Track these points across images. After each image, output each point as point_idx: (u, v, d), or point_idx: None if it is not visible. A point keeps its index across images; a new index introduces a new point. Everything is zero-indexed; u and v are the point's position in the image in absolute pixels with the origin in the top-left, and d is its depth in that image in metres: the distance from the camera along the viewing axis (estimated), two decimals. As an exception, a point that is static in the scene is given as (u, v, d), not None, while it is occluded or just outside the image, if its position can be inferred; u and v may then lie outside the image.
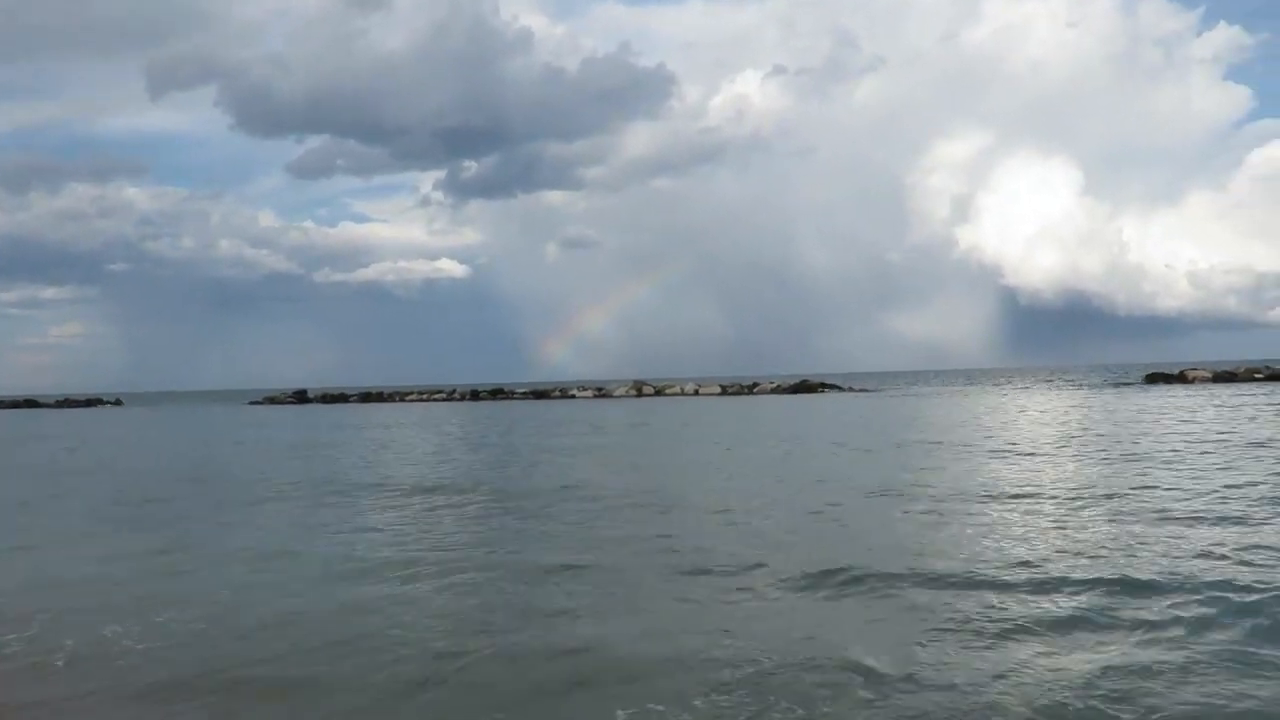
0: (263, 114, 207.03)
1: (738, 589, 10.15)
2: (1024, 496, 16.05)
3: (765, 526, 14.08)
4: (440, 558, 12.43)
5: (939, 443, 27.31)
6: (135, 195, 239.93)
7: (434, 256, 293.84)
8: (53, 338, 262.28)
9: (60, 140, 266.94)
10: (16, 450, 40.87)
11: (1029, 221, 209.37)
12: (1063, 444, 25.35)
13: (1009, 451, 24.03)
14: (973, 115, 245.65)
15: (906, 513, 14.74)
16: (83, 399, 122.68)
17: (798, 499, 16.81)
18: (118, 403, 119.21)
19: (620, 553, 12.36)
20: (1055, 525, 13.24)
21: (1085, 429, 30.89)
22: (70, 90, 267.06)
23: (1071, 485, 17.12)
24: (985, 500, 15.73)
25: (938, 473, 19.94)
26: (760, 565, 11.18)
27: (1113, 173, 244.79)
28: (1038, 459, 22.07)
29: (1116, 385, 76.82)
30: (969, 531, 12.91)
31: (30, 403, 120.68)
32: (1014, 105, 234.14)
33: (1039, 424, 34.63)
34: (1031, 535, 12.59)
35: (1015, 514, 14.32)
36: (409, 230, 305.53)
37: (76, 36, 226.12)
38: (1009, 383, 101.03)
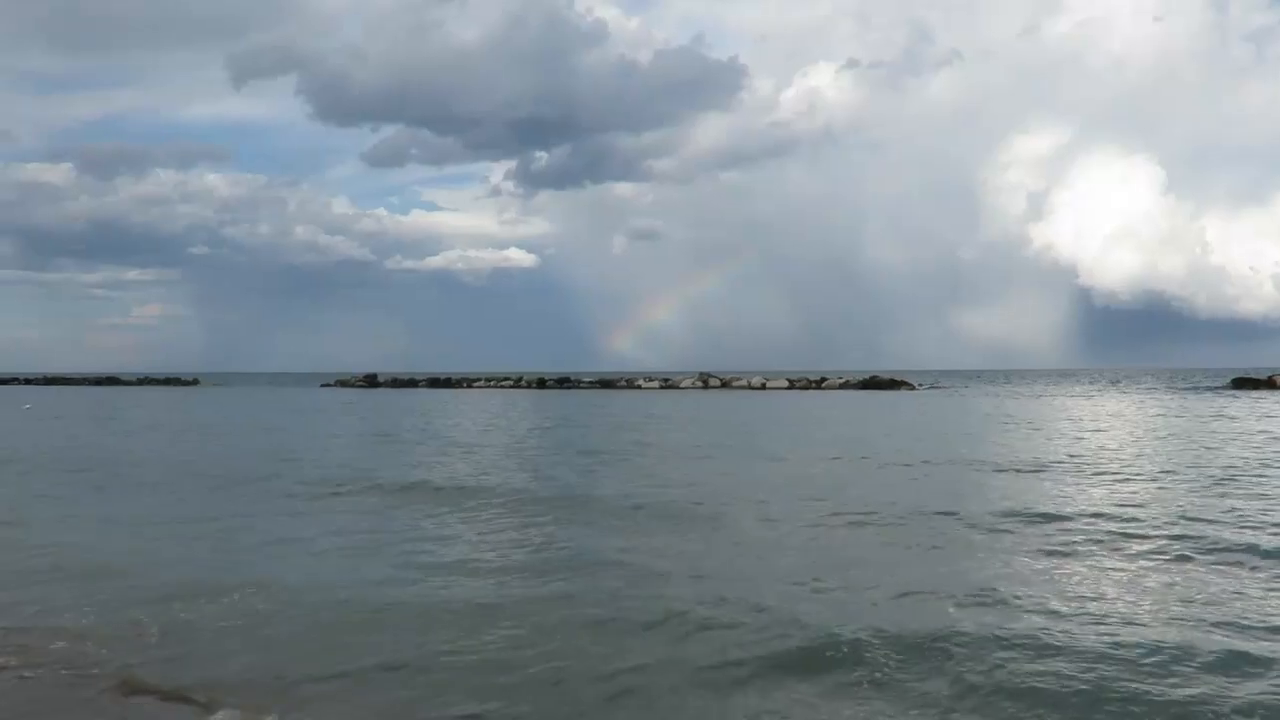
0: (339, 103, 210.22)
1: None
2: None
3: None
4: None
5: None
6: (216, 181, 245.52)
7: (503, 246, 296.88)
8: (134, 318, 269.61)
9: (146, 127, 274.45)
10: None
11: (1107, 220, 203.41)
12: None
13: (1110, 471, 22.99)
14: (1051, 110, 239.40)
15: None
16: (161, 378, 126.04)
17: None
18: (194, 382, 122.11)
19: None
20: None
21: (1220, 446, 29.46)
22: (157, 79, 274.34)
23: None
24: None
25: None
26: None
27: (1196, 171, 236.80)
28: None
29: (1198, 390, 74.15)
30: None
31: (112, 380, 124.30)
32: (1095, 100, 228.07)
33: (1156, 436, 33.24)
34: None
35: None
36: (479, 220, 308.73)
37: (163, 27, 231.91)
38: (1091, 385, 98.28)
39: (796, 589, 9.83)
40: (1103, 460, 22.07)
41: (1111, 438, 29.33)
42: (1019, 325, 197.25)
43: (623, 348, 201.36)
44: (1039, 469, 20.46)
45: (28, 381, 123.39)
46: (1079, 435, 30.43)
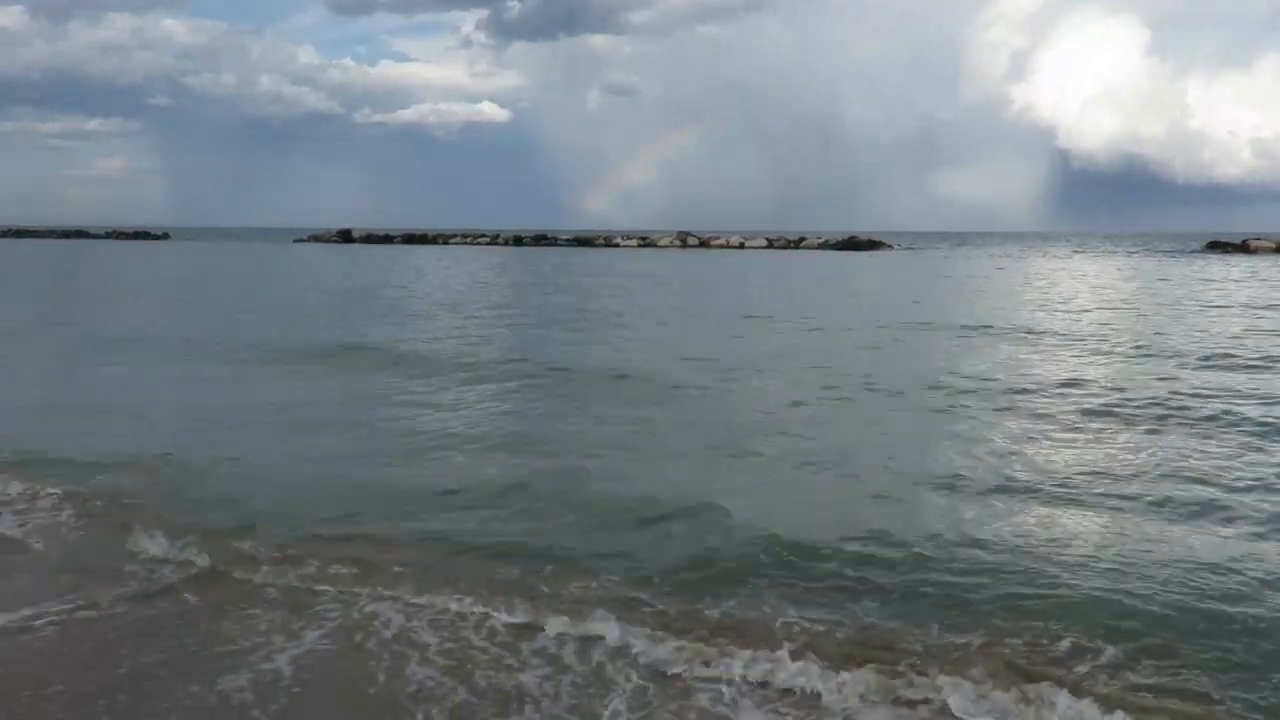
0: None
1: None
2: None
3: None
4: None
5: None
6: (174, 28, 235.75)
7: (475, 99, 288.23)
8: (97, 170, 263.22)
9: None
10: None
11: (1088, 81, 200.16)
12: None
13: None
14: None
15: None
16: (130, 231, 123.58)
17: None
18: (165, 236, 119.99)
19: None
20: None
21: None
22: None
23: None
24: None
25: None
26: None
27: (1181, 33, 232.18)
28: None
29: (1173, 254, 74.83)
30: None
31: (80, 233, 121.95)
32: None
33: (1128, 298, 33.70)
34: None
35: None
36: (450, 71, 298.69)
37: None
38: (1069, 247, 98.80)
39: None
40: (1084, 328, 22.56)
41: (1088, 301, 29.85)
42: (997, 188, 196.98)
43: (598, 206, 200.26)
44: (1028, 336, 20.73)
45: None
46: (1054, 300, 30.90)
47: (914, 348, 18.20)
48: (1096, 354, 16.87)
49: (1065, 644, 5.44)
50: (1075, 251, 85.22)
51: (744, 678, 5.23)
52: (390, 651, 5.57)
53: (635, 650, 5.51)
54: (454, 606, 6.14)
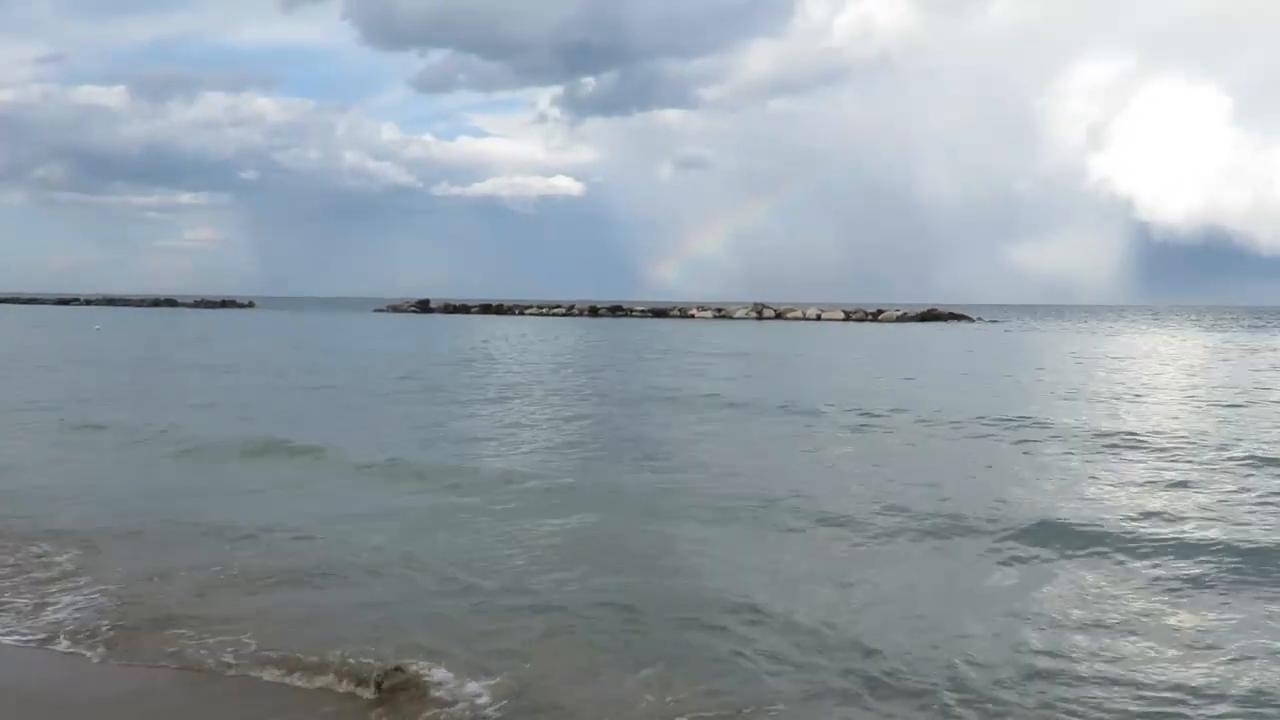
0: (387, 28, 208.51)
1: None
2: None
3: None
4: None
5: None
6: (266, 106, 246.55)
7: (550, 173, 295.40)
8: (187, 241, 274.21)
9: (196, 51, 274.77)
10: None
11: (1168, 152, 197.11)
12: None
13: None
14: (1114, 36, 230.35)
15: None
16: (217, 300, 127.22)
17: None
18: (250, 305, 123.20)
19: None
20: None
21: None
22: (206, 1, 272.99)
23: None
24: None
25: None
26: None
27: (1264, 102, 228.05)
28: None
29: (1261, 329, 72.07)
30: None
31: (169, 302, 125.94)
32: (1160, 26, 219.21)
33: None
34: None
35: None
36: (526, 146, 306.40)
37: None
38: (1176, 321, 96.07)
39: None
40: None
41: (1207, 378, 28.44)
42: (1074, 260, 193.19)
43: (670, 277, 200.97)
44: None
45: (88, 302, 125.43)
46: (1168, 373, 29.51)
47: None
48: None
49: None
50: (1186, 324, 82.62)
51: None
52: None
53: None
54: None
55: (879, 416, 18.04)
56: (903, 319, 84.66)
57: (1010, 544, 9.02)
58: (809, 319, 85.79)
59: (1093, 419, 17.83)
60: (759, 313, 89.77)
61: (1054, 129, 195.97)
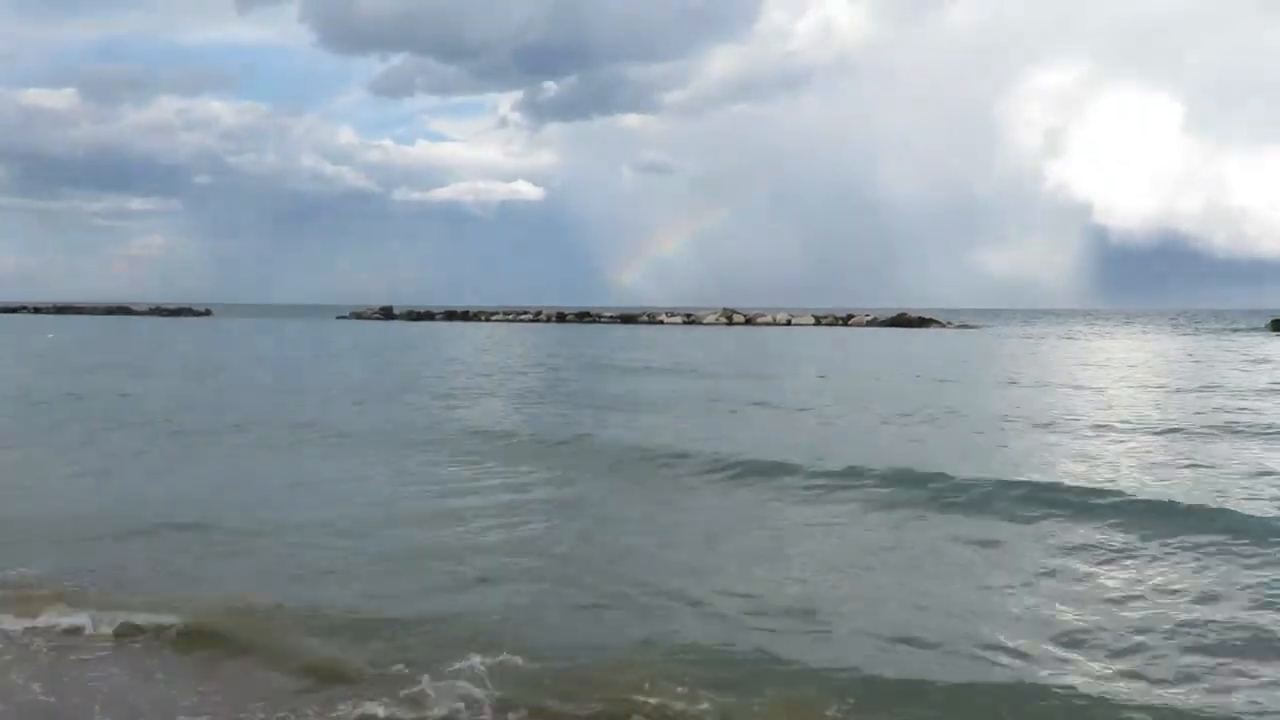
0: (345, 30, 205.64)
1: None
2: None
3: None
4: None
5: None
6: (220, 109, 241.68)
7: (511, 178, 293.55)
8: (139, 248, 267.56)
9: (149, 52, 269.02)
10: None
11: (1124, 157, 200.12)
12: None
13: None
14: (1070, 43, 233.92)
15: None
16: (172, 308, 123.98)
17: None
18: (207, 313, 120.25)
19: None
20: None
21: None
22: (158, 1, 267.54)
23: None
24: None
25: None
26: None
27: (1217, 108, 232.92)
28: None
29: (1235, 331, 72.73)
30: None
31: (124, 309, 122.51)
32: (1115, 33, 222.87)
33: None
34: None
35: None
36: (486, 151, 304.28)
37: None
38: (1124, 325, 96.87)
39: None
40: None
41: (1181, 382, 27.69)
42: (1034, 263, 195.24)
43: (633, 281, 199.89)
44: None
45: (37, 310, 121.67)
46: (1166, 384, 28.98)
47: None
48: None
49: None
50: (1164, 328, 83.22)
51: None
52: None
53: None
54: None
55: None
56: (873, 324, 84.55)
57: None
58: (779, 324, 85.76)
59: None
60: (728, 318, 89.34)
61: (1011, 134, 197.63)
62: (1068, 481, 11.98)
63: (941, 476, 12.17)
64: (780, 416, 20.28)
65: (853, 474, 12.60)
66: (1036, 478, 12.28)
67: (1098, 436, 16.55)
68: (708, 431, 17.40)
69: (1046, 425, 18.05)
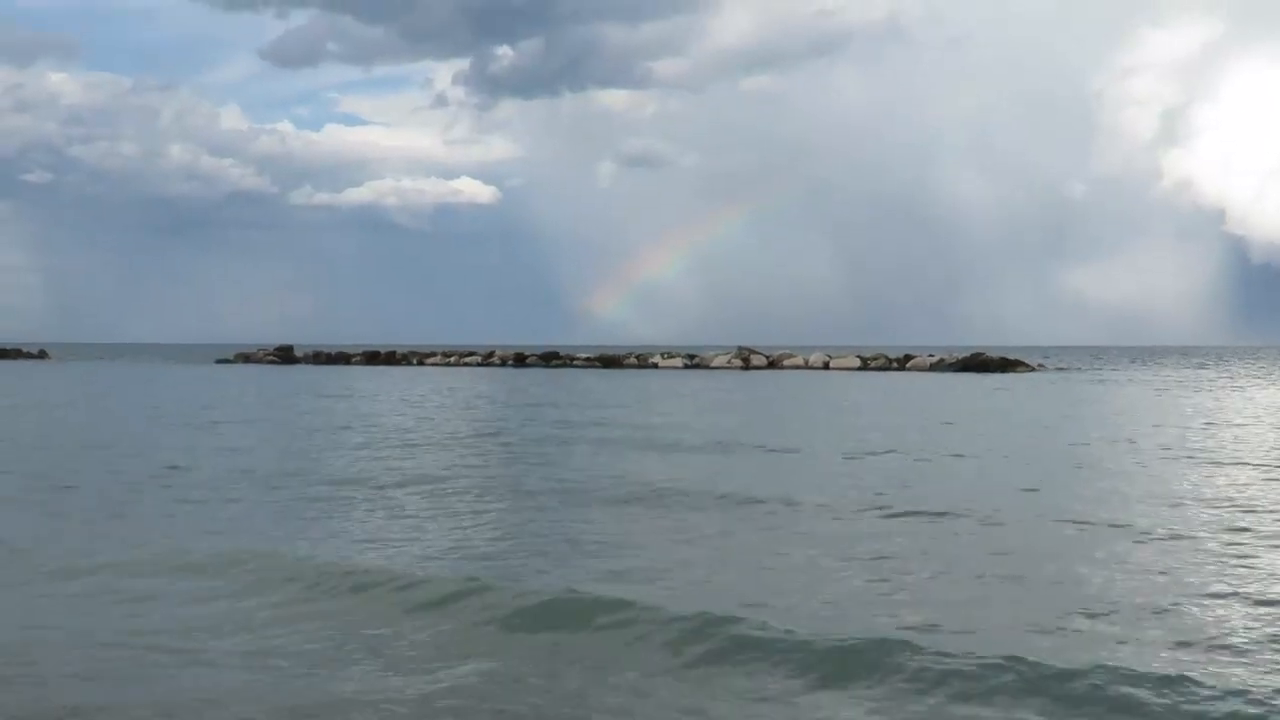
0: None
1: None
2: None
3: None
4: None
5: None
6: (62, 83, 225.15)
7: (451, 174, 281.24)
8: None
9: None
10: None
11: (1267, 147, 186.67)
12: None
13: None
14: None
15: None
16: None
17: None
18: (42, 354, 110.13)
19: None
20: None
21: None
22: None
23: None
24: None
25: None
26: None
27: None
28: None
29: None
30: None
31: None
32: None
33: None
34: None
35: None
36: (418, 138, 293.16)
37: None
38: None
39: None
40: None
41: None
42: (1147, 286, 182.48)
43: (615, 312, 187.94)
44: None
45: None
46: None
47: None
48: None
49: None
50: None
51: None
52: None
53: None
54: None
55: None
56: (938, 367, 75.96)
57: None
58: (814, 368, 78.23)
59: None
60: (745, 360, 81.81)
61: (1116, 117, 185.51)
62: None
63: None
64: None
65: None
66: None
67: None
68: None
69: None
